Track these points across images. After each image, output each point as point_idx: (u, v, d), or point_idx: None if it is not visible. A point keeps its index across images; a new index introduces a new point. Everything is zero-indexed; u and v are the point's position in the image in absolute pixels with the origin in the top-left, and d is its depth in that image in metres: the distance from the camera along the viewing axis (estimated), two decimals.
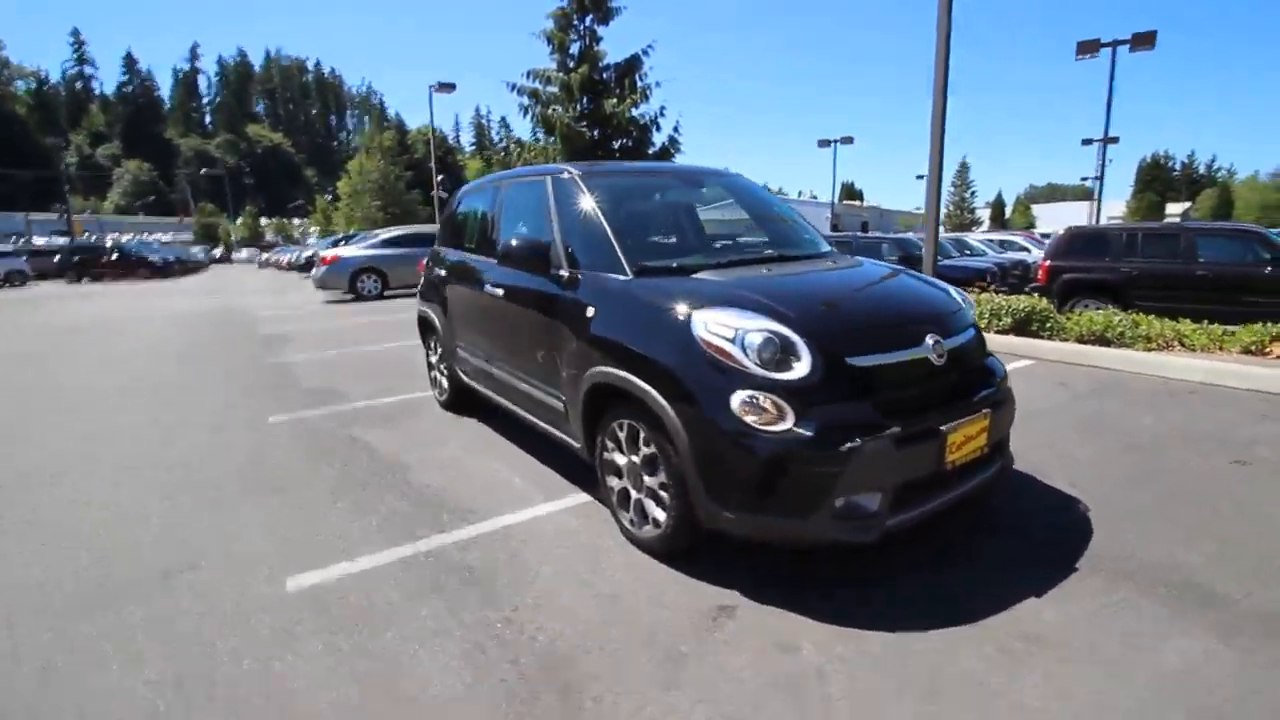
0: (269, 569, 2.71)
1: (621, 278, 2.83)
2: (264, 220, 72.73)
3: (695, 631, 2.20)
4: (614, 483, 2.87)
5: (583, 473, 3.56)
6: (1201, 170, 78.77)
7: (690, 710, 1.84)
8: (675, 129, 15.28)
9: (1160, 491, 3.16)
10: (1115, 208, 64.28)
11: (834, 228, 42.62)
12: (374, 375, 6.41)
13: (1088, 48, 17.28)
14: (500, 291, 3.63)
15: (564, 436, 3.22)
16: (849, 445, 2.17)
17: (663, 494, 2.56)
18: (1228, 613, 2.20)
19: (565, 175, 3.38)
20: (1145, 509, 2.97)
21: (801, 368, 2.25)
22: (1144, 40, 16.52)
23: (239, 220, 69.40)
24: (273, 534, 3.02)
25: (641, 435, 2.61)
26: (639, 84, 15.03)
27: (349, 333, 9.47)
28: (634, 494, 2.75)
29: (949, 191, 73.65)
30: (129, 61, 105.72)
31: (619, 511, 2.86)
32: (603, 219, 3.06)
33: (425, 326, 5.12)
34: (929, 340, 2.49)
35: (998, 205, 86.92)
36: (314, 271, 14.97)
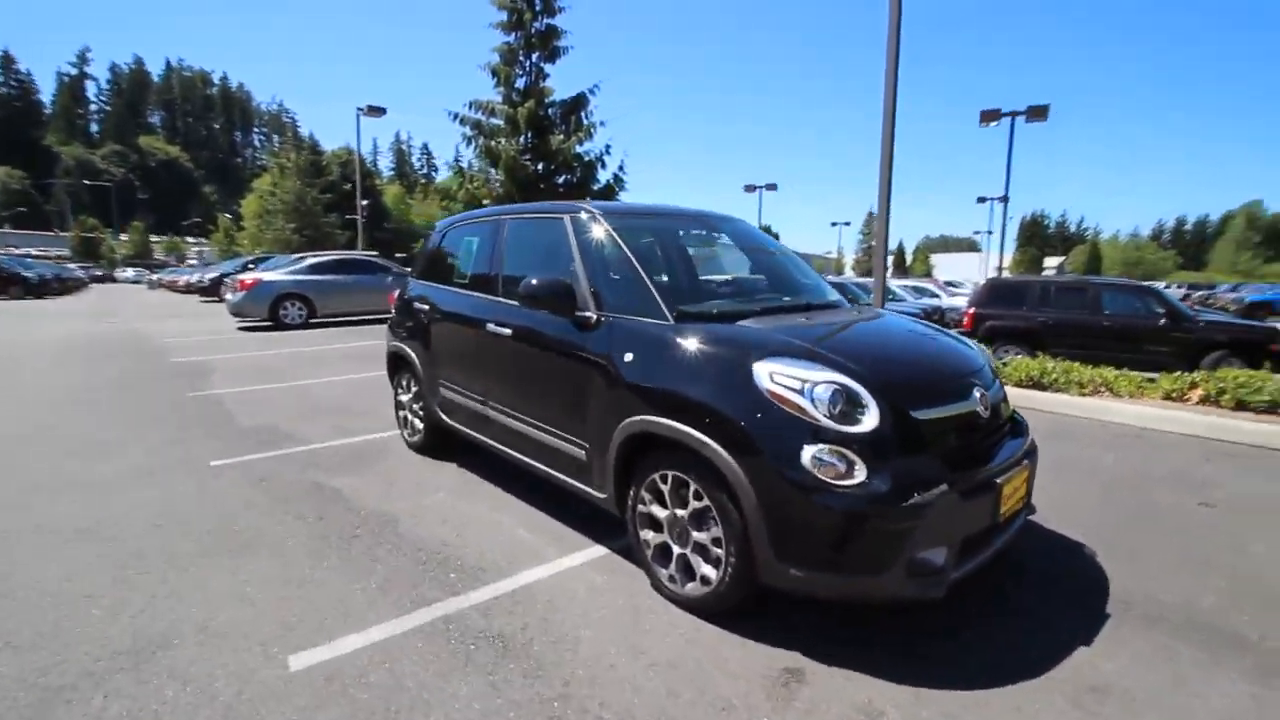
0: (261, 645, 2.35)
1: (661, 323, 2.73)
2: (154, 238, 67.10)
3: (771, 700, 2.08)
4: (650, 537, 2.72)
5: (591, 523, 3.39)
6: (1073, 229, 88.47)
7: None
8: (620, 167, 15.50)
9: (1150, 533, 3.37)
10: (1003, 259, 70.97)
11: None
12: (322, 412, 5.91)
13: (990, 116, 19.20)
14: (507, 331, 3.44)
15: (584, 487, 3.04)
16: (924, 499, 2.16)
17: (715, 550, 2.45)
18: (1254, 654, 2.33)
19: (585, 214, 3.28)
20: (1144, 551, 3.14)
21: (870, 420, 2.23)
22: (1038, 113, 18.57)
23: (124, 235, 63.64)
24: (255, 603, 2.64)
25: (691, 488, 2.49)
26: (585, 121, 15.18)
27: (279, 364, 8.75)
28: (676, 549, 2.61)
29: (857, 239, 78.97)
30: (5, 61, 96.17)
31: (655, 567, 2.71)
32: (635, 261, 2.97)
33: (398, 364, 4.78)
34: (976, 393, 2.55)
35: (899, 254, 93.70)
36: (229, 296, 13.83)
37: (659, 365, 2.64)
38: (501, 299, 3.61)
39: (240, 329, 13.20)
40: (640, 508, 2.74)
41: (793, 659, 2.29)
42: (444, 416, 4.20)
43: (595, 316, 2.94)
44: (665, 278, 3.09)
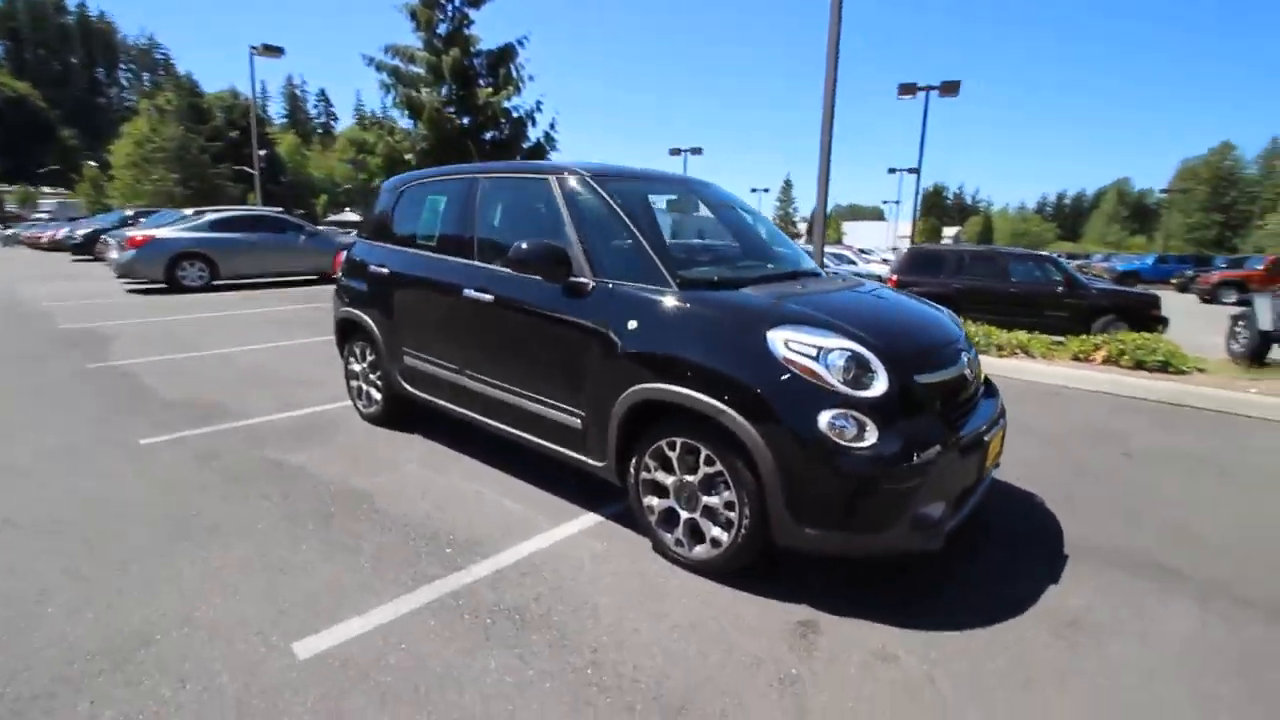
0: (259, 634, 2.20)
1: (665, 290, 2.71)
2: (3, 186, 58.70)
3: (795, 652, 2.18)
4: (654, 503, 2.74)
5: (576, 491, 3.37)
6: (968, 201, 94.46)
7: None
8: (552, 126, 14.98)
9: (1086, 483, 3.74)
10: (905, 228, 75.31)
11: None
12: (255, 384, 5.48)
13: (907, 89, 20.01)
14: (488, 297, 3.29)
15: (577, 456, 3.00)
16: (928, 458, 2.29)
17: (727, 513, 2.50)
18: (1191, 584, 2.67)
19: (575, 176, 3.16)
20: (1084, 499, 3.49)
21: (879, 385, 2.32)
22: (951, 88, 19.54)
23: None
24: (239, 590, 2.45)
25: (703, 454, 2.52)
26: (514, 75, 14.50)
27: (188, 331, 7.99)
28: (684, 514, 2.65)
29: (774, 206, 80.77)
30: None
31: (659, 532, 2.74)
32: (634, 226, 2.91)
33: (350, 331, 4.48)
34: (964, 358, 2.71)
35: (813, 220, 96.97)
36: (114, 255, 12.39)
37: (667, 333, 2.62)
38: (479, 263, 3.44)
39: (130, 291, 11.92)
40: (644, 475, 2.75)
41: (805, 612, 2.40)
42: (407, 386, 4.00)
43: (591, 283, 2.87)
44: (667, 245, 3.04)
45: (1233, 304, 20.12)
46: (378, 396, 4.34)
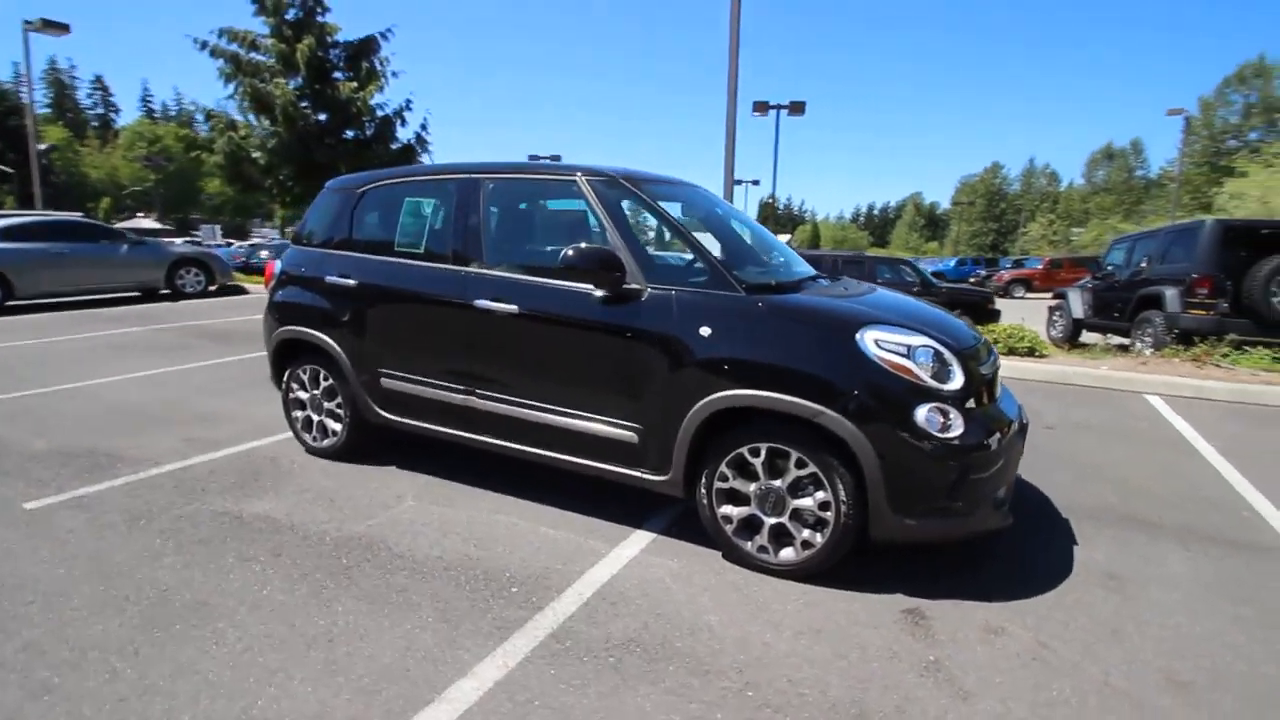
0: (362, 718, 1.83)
1: (735, 295, 2.67)
2: None
3: (918, 640, 2.25)
4: (731, 511, 2.69)
5: (608, 509, 3.20)
6: (796, 210, 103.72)
7: (1009, 708, 1.92)
8: (424, 126, 14.04)
9: (1033, 455, 4.26)
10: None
11: None
12: (139, 422, 4.53)
13: (760, 107, 21.58)
14: (510, 309, 3.02)
15: (632, 473, 2.86)
16: (1001, 442, 2.49)
17: (822, 513, 2.52)
18: (1167, 530, 3.16)
19: (604, 177, 3.00)
20: (1043, 469, 3.98)
21: (958, 378, 2.48)
22: (798, 108, 21.39)
23: None
24: (292, 675, 2.02)
25: (793, 457, 2.52)
26: (377, 69, 13.41)
27: (11, 362, 6.39)
28: (769, 520, 2.62)
29: None
30: None
31: (736, 541, 2.69)
32: (687, 231, 2.83)
33: (293, 355, 3.87)
34: (992, 353, 2.98)
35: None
36: None
37: (746, 339, 2.58)
38: (492, 271, 3.15)
39: None
40: (718, 485, 2.68)
41: (903, 601, 2.49)
42: (385, 413, 3.55)
43: (645, 289, 2.76)
44: (719, 249, 2.99)
45: (1021, 297, 24.12)
46: (336, 428, 3.79)
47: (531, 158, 35.33)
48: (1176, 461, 4.22)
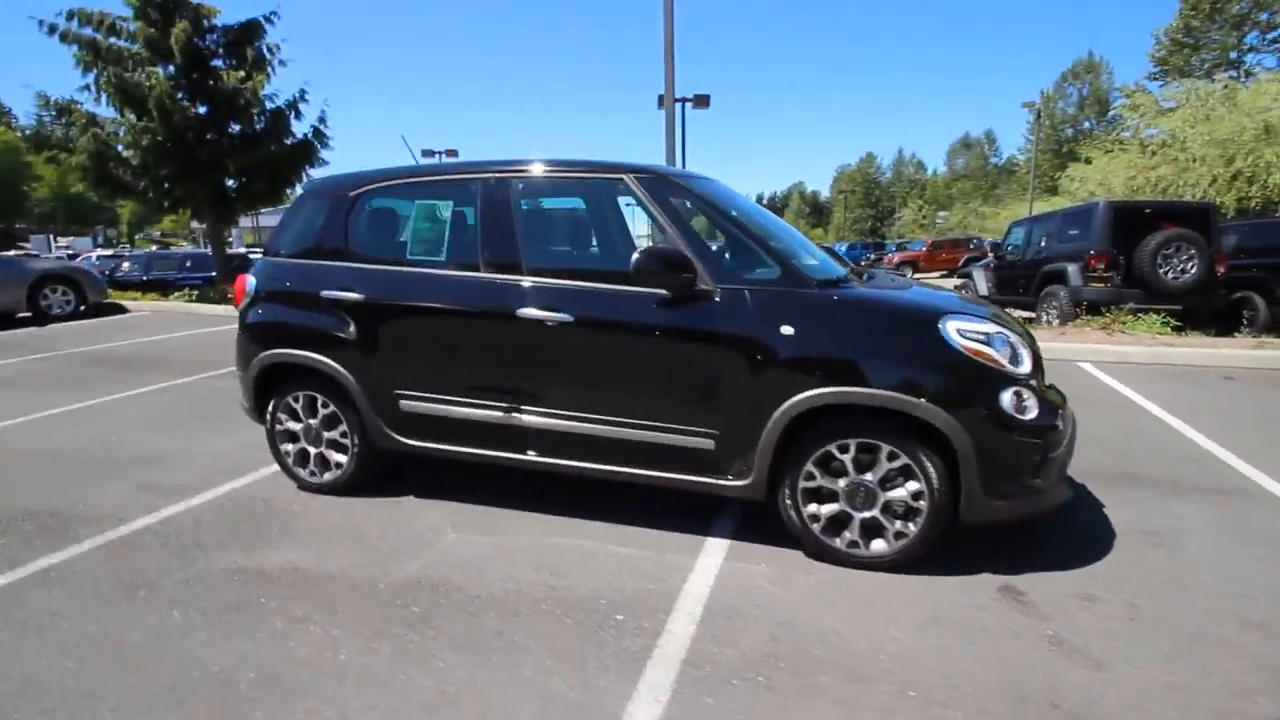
0: None
1: (810, 292, 2.64)
2: None
3: (1028, 615, 2.34)
4: (819, 510, 2.67)
5: (657, 518, 3.11)
6: None
7: (1140, 670, 2.03)
8: (322, 120, 12.90)
9: None
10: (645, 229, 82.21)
11: None
12: (69, 473, 3.86)
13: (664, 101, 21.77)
14: (561, 317, 2.82)
15: (708, 481, 2.77)
16: (1066, 418, 2.64)
17: (916, 503, 2.56)
18: (1166, 486, 3.50)
19: (652, 176, 2.88)
20: None
21: (1027, 362, 2.60)
22: (702, 101, 21.77)
23: None
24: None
25: (884, 450, 2.54)
26: (265, 56, 12.15)
27: None
28: (859, 515, 2.63)
29: None
30: None
31: (823, 540, 2.68)
32: (750, 229, 2.77)
33: (280, 381, 3.42)
34: (1032, 336, 3.15)
35: None
36: None
37: (831, 335, 2.57)
38: (535, 278, 2.93)
39: None
40: (803, 484, 2.66)
41: (993, 580, 2.58)
42: (405, 439, 3.23)
43: (715, 290, 2.67)
44: (779, 243, 2.92)
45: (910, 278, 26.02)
46: (341, 459, 3.41)
47: (425, 153, 33.67)
48: (1134, 421, 4.70)
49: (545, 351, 2.91)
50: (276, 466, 3.66)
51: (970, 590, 2.52)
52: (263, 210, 15.58)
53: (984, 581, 2.58)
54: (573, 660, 2.13)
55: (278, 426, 3.50)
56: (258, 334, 3.44)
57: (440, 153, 32.60)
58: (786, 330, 2.59)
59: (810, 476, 2.65)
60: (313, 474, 3.49)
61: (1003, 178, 53.02)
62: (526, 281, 2.93)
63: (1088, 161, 28.56)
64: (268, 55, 12.18)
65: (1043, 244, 9.68)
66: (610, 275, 2.88)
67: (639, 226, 3.68)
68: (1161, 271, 7.92)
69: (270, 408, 3.49)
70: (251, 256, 19.27)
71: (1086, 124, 35.99)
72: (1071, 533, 2.98)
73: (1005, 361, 2.52)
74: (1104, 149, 25.00)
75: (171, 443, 4.42)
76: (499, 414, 3.02)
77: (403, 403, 3.19)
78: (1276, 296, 8.07)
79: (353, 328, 3.21)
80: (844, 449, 2.59)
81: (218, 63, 11.78)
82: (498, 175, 3.06)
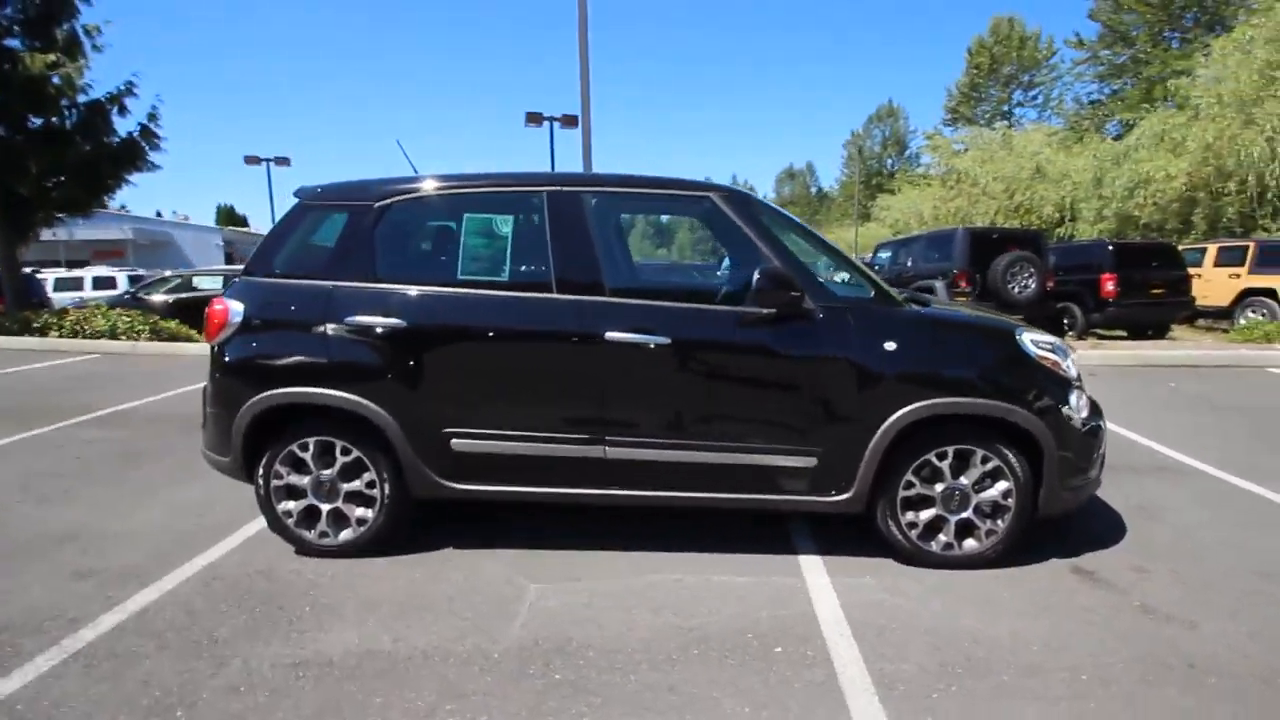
0: None
1: (897, 308, 2.77)
2: None
3: (1100, 589, 2.64)
4: (916, 516, 2.79)
5: (733, 542, 3.06)
6: None
7: (1224, 626, 2.36)
8: (152, 117, 10.92)
9: None
10: None
11: (228, 257, 36.95)
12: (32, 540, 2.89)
13: (534, 118, 21.48)
14: (659, 340, 2.67)
15: (807, 498, 2.78)
16: (1099, 412, 3.03)
17: (1005, 501, 2.76)
18: (1121, 468, 4.11)
19: (738, 195, 2.86)
20: None
21: (1074, 367, 2.94)
22: (571, 120, 21.81)
23: None
24: None
25: (979, 454, 2.72)
26: (79, 37, 10.09)
27: None
28: (955, 517, 2.78)
29: None
30: None
31: (921, 545, 2.80)
32: (835, 248, 2.83)
33: (286, 425, 2.85)
34: None
35: None
36: None
37: (930, 350, 2.72)
38: (622, 300, 2.74)
39: None
40: (903, 493, 2.76)
41: (1062, 564, 2.86)
42: (452, 484, 2.84)
43: (818, 309, 2.71)
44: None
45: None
46: (365, 514, 2.91)
47: (248, 160, 30.20)
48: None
49: (637, 377, 2.74)
50: (242, 534, 3.04)
51: (1053, 577, 2.77)
52: (84, 218, 12.81)
53: (1056, 567, 2.85)
54: (772, 705, 2.00)
55: (275, 482, 2.90)
56: (250, 371, 2.84)
57: (269, 161, 29.40)
58: (890, 346, 2.68)
59: (909, 485, 2.76)
60: (324, 535, 2.93)
61: (823, 205, 59.54)
62: (611, 302, 2.74)
63: (893, 193, 33.05)
64: (83, 38, 10.14)
65: (909, 263, 11.00)
66: (699, 294, 2.79)
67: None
68: (1009, 287, 9.37)
69: (265, 460, 2.88)
70: (38, 277, 15.83)
71: (889, 161, 41.95)
72: (1082, 512, 3.39)
73: (1067, 367, 2.83)
74: (911, 182, 29.31)
75: (75, 514, 3.48)
76: (580, 447, 2.77)
77: (455, 442, 2.80)
78: (1089, 306, 9.93)
79: (390, 359, 2.77)
80: (943, 456, 2.74)
81: (14, 42, 9.56)
82: (568, 189, 2.84)
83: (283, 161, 29.35)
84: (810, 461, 2.74)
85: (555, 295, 2.76)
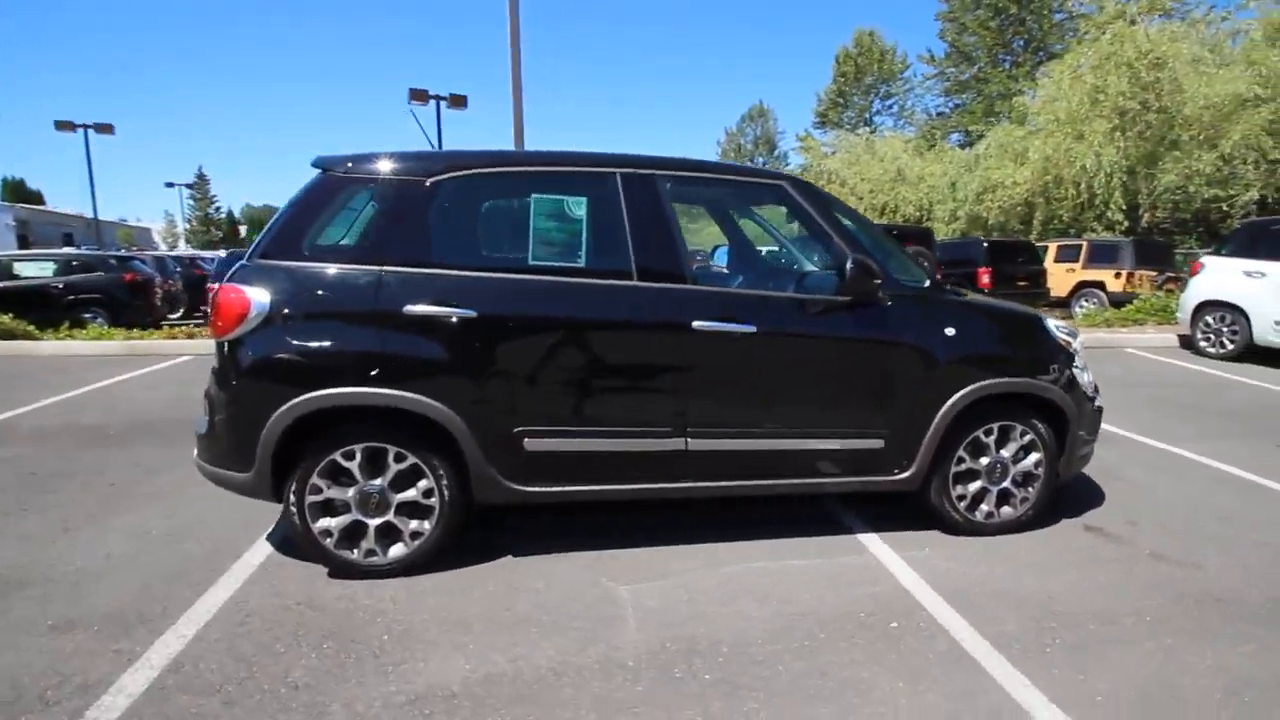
0: None
1: (951, 296, 2.96)
2: None
3: (1120, 544, 3.01)
4: (965, 489, 3.01)
5: (798, 523, 3.13)
6: None
7: (1227, 562, 2.80)
8: None
9: None
10: None
11: (22, 239, 31.35)
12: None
13: (418, 95, 20.02)
14: (745, 329, 2.64)
15: (873, 479, 2.91)
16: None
17: (1037, 471, 3.05)
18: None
19: (805, 183, 2.90)
20: None
21: (1080, 347, 3.30)
22: (459, 101, 20.61)
23: None
24: None
25: (1018, 429, 2.99)
26: None
27: None
28: (996, 487, 3.04)
29: (189, 204, 65.62)
30: None
31: (969, 514, 3.02)
32: (887, 237, 2.95)
33: (330, 431, 2.48)
34: None
35: (230, 223, 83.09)
36: None
37: (980, 335, 2.94)
38: (706, 288, 2.68)
39: None
40: (954, 469, 2.97)
41: (1075, 523, 3.22)
42: (523, 487, 2.64)
43: (900, 294, 2.85)
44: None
45: None
46: (422, 526, 2.62)
47: (59, 125, 25.86)
48: None
49: (721, 366, 2.69)
50: (247, 562, 2.68)
51: (1071, 535, 3.12)
52: None
53: (1071, 527, 3.21)
54: (921, 678, 2.08)
55: (311, 498, 2.52)
56: (283, 371, 2.43)
57: (86, 127, 25.02)
58: (950, 332, 2.86)
59: (960, 460, 2.97)
60: (370, 554, 2.60)
61: None
62: (697, 290, 2.67)
63: None
64: None
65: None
66: (768, 281, 2.80)
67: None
68: None
69: (300, 475, 2.49)
70: None
71: (760, 160, 44.36)
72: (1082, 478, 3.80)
73: (1078, 348, 3.18)
74: None
75: (22, 553, 2.80)
76: (661, 440, 2.68)
77: (529, 441, 2.60)
78: None
79: (457, 353, 2.50)
80: (989, 432, 2.97)
81: None
82: (643, 171, 2.71)
83: (104, 129, 25.02)
84: (878, 444, 2.87)
85: (638, 283, 2.64)
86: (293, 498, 2.51)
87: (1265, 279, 6.70)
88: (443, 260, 2.57)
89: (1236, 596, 2.56)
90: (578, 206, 2.67)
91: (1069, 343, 3.12)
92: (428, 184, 2.59)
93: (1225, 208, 14.82)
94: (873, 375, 2.83)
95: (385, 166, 2.63)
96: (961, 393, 2.85)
